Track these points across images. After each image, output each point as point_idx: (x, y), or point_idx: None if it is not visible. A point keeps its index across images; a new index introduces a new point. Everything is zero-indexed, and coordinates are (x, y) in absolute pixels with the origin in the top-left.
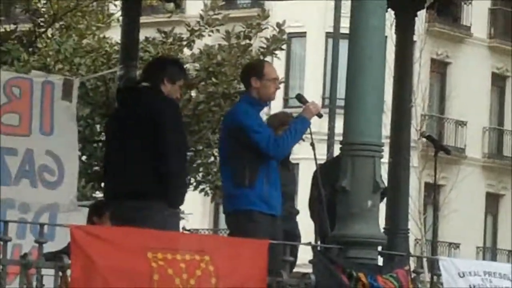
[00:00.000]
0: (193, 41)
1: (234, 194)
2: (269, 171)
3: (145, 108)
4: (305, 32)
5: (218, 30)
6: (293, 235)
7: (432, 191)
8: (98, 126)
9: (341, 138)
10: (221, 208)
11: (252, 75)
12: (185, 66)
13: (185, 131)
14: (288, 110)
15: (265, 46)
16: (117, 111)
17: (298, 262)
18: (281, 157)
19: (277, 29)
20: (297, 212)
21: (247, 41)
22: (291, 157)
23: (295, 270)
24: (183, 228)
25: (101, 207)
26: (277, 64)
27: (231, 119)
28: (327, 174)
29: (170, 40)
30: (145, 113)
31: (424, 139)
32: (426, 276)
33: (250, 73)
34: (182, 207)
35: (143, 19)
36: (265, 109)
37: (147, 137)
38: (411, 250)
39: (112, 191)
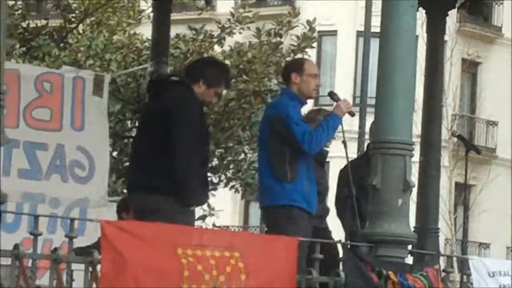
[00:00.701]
0: (224, 38)
1: (273, 188)
2: (308, 167)
3: (165, 102)
4: (336, 31)
5: (248, 28)
6: (330, 233)
7: (463, 190)
8: (129, 122)
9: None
10: (251, 205)
11: (292, 71)
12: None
13: (199, 129)
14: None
15: (295, 44)
16: (146, 104)
17: None
18: (314, 152)
19: (308, 27)
20: (329, 210)
21: (278, 39)
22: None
23: None
24: (213, 225)
25: (128, 202)
26: None
27: (275, 109)
28: (353, 173)
29: (201, 37)
30: (163, 107)
31: (455, 139)
32: (456, 275)
33: (290, 68)
34: (212, 204)
35: (173, 16)
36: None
37: (162, 131)
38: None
39: (129, 183)
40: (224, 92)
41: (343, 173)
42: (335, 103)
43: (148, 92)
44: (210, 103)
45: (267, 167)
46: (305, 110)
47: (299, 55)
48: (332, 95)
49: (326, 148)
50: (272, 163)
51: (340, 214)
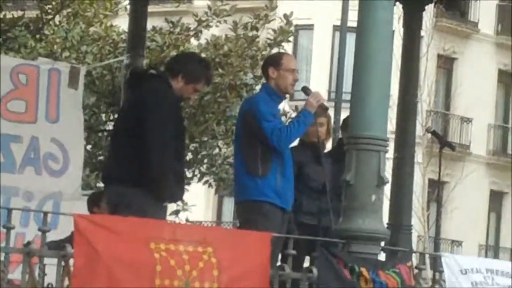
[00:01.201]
0: (201, 32)
1: (246, 184)
2: (282, 163)
3: (140, 94)
4: (312, 25)
5: (225, 21)
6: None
7: (436, 187)
8: (103, 115)
9: None
10: (225, 201)
11: (269, 65)
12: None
13: (174, 125)
14: (293, 103)
15: (272, 38)
16: (125, 96)
17: None
18: (283, 148)
19: (284, 21)
20: (328, 207)
21: (254, 32)
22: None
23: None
24: (187, 220)
25: (98, 196)
26: None
27: (248, 106)
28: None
29: (178, 30)
30: (139, 99)
31: (429, 135)
32: (429, 272)
33: (268, 63)
34: (185, 199)
35: (150, 8)
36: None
37: (137, 123)
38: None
39: (104, 175)
40: None
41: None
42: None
43: (127, 85)
44: (188, 99)
45: (241, 162)
46: (282, 105)
47: (275, 49)
48: (305, 90)
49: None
50: (244, 159)
51: None
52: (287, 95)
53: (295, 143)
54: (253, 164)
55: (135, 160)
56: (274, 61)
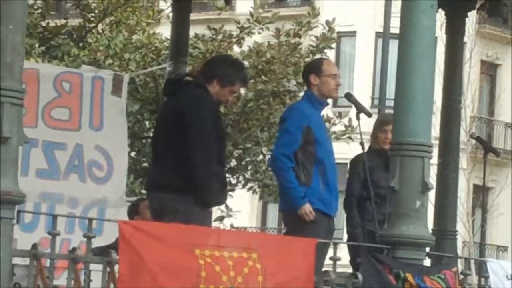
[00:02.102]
0: (243, 39)
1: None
2: (324, 171)
3: (178, 103)
4: (355, 32)
5: (267, 28)
6: None
7: (481, 193)
8: (147, 122)
9: None
10: (269, 207)
11: (311, 73)
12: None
13: (215, 130)
14: (336, 109)
15: (314, 44)
16: (163, 104)
17: (345, 262)
18: (271, 166)
19: (327, 28)
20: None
21: (297, 39)
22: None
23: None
24: (231, 226)
25: (136, 203)
26: None
27: (288, 113)
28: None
29: (220, 37)
30: (178, 107)
31: (473, 141)
32: (474, 278)
33: (309, 70)
34: (230, 205)
35: (193, 16)
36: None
37: (177, 131)
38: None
39: (147, 183)
40: (243, 92)
41: (355, 168)
42: (352, 105)
43: (164, 92)
44: (226, 102)
45: None
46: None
47: (317, 56)
48: (349, 96)
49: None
50: None
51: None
52: (330, 101)
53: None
54: (295, 172)
55: (178, 167)
56: (314, 68)
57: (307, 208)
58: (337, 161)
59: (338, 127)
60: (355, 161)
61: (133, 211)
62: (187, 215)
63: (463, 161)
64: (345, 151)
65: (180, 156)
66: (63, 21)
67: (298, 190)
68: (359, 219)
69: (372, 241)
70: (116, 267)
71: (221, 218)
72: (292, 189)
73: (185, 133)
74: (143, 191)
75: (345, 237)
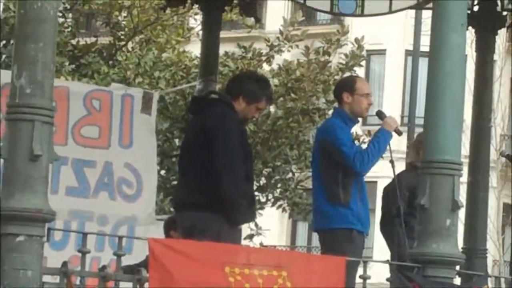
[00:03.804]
0: (272, 57)
1: (328, 212)
2: (361, 188)
3: (204, 120)
4: (384, 50)
5: (297, 46)
6: None
7: (511, 211)
8: (176, 140)
9: None
10: (299, 225)
11: (344, 90)
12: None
13: (241, 147)
14: (366, 128)
15: (344, 62)
16: (189, 122)
17: (374, 280)
18: (366, 172)
19: (356, 46)
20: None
21: (326, 57)
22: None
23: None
24: (261, 244)
25: (173, 219)
26: None
27: (325, 132)
28: (400, 186)
29: (250, 55)
30: (204, 125)
31: (503, 159)
32: None
33: (342, 88)
34: (259, 223)
35: (223, 34)
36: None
37: (204, 149)
38: (489, 270)
39: (175, 201)
40: (272, 110)
41: (388, 190)
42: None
43: (189, 110)
44: (252, 118)
45: (320, 190)
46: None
47: (347, 74)
48: (380, 114)
49: None
50: (325, 186)
51: (386, 233)
52: (360, 119)
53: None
54: (334, 192)
55: (205, 185)
56: (348, 86)
57: (392, 122)
58: (366, 179)
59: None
60: (399, 180)
61: (170, 227)
62: (216, 233)
63: (493, 179)
64: (374, 169)
65: (207, 174)
66: (93, 39)
67: (379, 136)
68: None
69: None
70: (146, 285)
71: (250, 237)
72: (382, 143)
73: (211, 151)
74: (173, 209)
75: (375, 255)
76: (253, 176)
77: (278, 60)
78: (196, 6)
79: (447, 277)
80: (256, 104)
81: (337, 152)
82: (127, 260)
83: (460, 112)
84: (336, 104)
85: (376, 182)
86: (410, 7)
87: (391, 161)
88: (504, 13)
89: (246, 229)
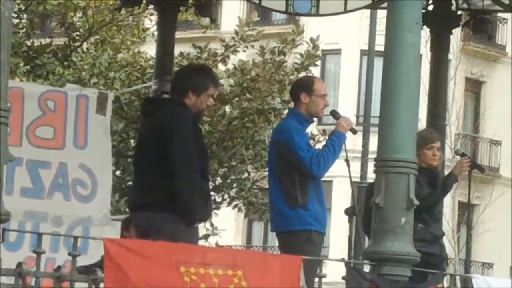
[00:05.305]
0: (228, 57)
1: (287, 214)
2: (318, 188)
3: (158, 121)
4: (340, 49)
5: (252, 46)
6: (442, 258)
7: (466, 210)
8: (132, 141)
9: (375, 155)
10: (254, 225)
11: (302, 90)
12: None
13: (196, 146)
14: (321, 127)
15: (299, 62)
16: (142, 123)
17: (330, 279)
18: (323, 175)
19: (312, 45)
20: (443, 234)
21: (282, 57)
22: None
23: (327, 287)
24: (216, 244)
25: (129, 220)
26: None
27: (280, 134)
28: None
29: (205, 55)
30: (158, 126)
31: (458, 158)
32: None
33: (300, 88)
34: (215, 223)
35: (178, 34)
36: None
37: (159, 150)
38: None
39: (130, 202)
40: (228, 110)
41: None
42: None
43: (142, 112)
44: (207, 108)
45: (277, 192)
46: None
47: (302, 74)
48: (334, 114)
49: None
50: (282, 188)
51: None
52: (315, 119)
53: None
54: (292, 194)
55: (161, 185)
56: (306, 86)
57: (345, 122)
58: (321, 178)
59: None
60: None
61: (124, 227)
62: (173, 233)
63: None
64: (329, 169)
65: (163, 174)
66: (48, 40)
67: (334, 138)
68: None
69: (421, 260)
70: (101, 285)
71: (206, 237)
72: (337, 145)
73: (167, 151)
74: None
75: (331, 253)
76: (209, 174)
77: (234, 60)
78: (151, 6)
79: (402, 275)
80: (205, 93)
81: (294, 156)
82: (83, 261)
83: (415, 111)
84: (291, 104)
85: (331, 181)
86: (365, 7)
87: (347, 161)
88: (459, 12)
89: (201, 229)
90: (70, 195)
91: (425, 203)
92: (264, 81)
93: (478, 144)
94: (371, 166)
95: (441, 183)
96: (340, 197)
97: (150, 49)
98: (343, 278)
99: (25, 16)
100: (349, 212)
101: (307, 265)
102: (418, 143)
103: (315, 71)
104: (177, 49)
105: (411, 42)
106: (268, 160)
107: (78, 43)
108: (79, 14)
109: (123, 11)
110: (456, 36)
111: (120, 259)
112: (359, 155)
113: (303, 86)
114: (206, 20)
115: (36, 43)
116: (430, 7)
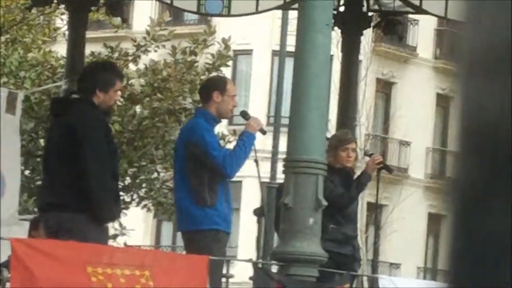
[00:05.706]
0: (139, 57)
1: (194, 213)
2: (226, 188)
3: (68, 121)
4: (251, 50)
5: (164, 46)
6: (355, 259)
7: (374, 210)
8: (41, 140)
9: (285, 155)
10: (163, 225)
11: (214, 89)
12: (129, 80)
13: (106, 145)
14: (231, 127)
15: (211, 62)
16: (51, 123)
17: (238, 279)
18: (234, 175)
19: (223, 46)
20: (356, 235)
21: (193, 57)
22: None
23: (235, 287)
24: (125, 244)
25: (37, 220)
26: None
27: (190, 134)
28: None
29: (116, 55)
30: (68, 127)
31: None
32: None
33: (213, 87)
34: (124, 223)
35: (89, 34)
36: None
37: (69, 150)
38: None
39: (40, 202)
40: (138, 110)
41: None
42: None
43: (51, 112)
44: (116, 103)
45: (185, 191)
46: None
47: (213, 74)
48: (244, 114)
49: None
50: (190, 188)
51: None
52: (225, 120)
53: None
54: (201, 194)
55: (71, 185)
56: (219, 86)
57: (255, 123)
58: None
59: (233, 145)
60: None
61: (33, 226)
62: (83, 234)
63: None
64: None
65: (73, 174)
66: None
67: (244, 138)
68: None
69: (333, 262)
70: (8, 285)
71: (114, 237)
72: (248, 145)
73: (77, 151)
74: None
75: (240, 254)
76: (119, 173)
77: (145, 60)
78: (62, 6)
79: (309, 275)
80: (113, 88)
81: (205, 155)
82: None
83: (324, 111)
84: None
85: (241, 182)
86: (277, 8)
87: (256, 161)
88: (370, 13)
89: (110, 229)
90: None
91: (340, 202)
92: (175, 81)
93: (388, 144)
94: (281, 167)
95: (355, 182)
96: (250, 198)
97: (61, 49)
98: (250, 278)
99: None
100: (258, 212)
101: (213, 265)
102: (333, 145)
103: (227, 72)
104: (89, 49)
105: (322, 43)
106: (174, 160)
107: None
108: None
109: (34, 10)
110: (368, 37)
111: (27, 259)
112: (270, 155)
113: (216, 85)
114: (117, 20)
115: None
116: (342, 8)
